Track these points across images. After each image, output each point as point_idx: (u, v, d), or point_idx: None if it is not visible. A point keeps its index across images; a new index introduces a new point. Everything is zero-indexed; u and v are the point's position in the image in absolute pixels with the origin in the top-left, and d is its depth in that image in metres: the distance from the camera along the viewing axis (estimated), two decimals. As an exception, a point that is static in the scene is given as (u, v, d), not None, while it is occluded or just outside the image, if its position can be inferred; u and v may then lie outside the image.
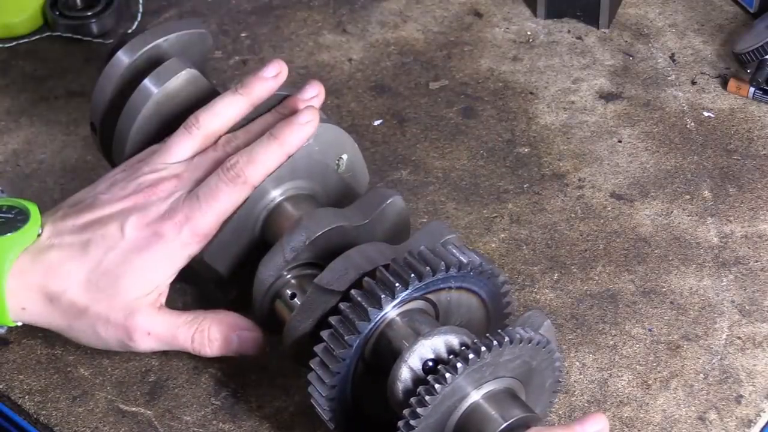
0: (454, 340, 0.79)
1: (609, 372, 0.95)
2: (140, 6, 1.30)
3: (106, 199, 0.90)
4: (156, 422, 0.93)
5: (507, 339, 0.77)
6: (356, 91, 1.20)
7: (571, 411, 0.92)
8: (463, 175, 1.11)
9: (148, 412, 0.93)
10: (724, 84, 1.18)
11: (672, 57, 1.22)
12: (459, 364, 0.76)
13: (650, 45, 1.24)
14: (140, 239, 0.87)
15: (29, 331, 0.99)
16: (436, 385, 0.75)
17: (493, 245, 1.05)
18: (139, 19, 1.29)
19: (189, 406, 0.94)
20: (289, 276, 0.89)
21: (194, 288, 1.02)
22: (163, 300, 0.90)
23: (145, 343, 0.89)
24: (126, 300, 0.87)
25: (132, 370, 0.96)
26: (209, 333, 0.89)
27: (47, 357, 0.97)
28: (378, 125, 1.16)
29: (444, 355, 0.78)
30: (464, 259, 0.82)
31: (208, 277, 0.94)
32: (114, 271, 0.87)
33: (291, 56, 1.24)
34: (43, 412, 0.94)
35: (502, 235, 1.05)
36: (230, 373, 0.96)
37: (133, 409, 0.94)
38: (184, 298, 1.01)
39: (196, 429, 0.92)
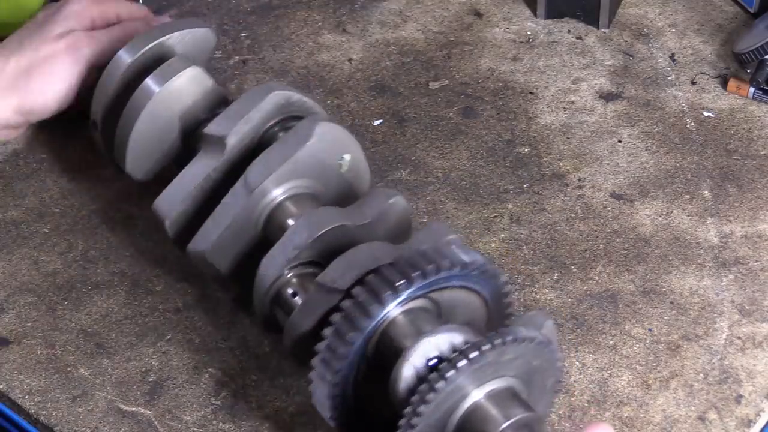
0: (458, 338, 0.79)
1: (609, 372, 0.95)
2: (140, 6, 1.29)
3: None
4: (156, 422, 0.93)
5: (510, 337, 0.77)
6: (356, 91, 1.20)
7: (571, 411, 0.92)
8: (463, 175, 1.11)
9: (148, 412, 0.93)
10: (724, 84, 1.18)
11: (672, 57, 1.22)
12: (461, 362, 0.76)
13: (650, 45, 1.24)
14: None
15: (29, 331, 0.99)
16: (438, 384, 0.75)
17: (493, 245, 1.05)
18: (139, 19, 1.29)
19: (189, 406, 0.94)
20: (290, 275, 0.89)
21: (195, 288, 1.02)
22: None
23: None
24: None
25: (132, 370, 0.96)
26: None
27: (47, 357, 0.97)
28: (378, 125, 1.16)
29: (447, 353, 0.78)
30: (467, 259, 0.82)
31: (210, 275, 0.94)
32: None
33: (291, 56, 1.24)
34: (43, 412, 0.94)
35: (502, 235, 1.05)
36: (230, 373, 0.96)
37: (133, 409, 0.94)
38: (185, 298, 1.01)
39: (196, 429, 0.92)
